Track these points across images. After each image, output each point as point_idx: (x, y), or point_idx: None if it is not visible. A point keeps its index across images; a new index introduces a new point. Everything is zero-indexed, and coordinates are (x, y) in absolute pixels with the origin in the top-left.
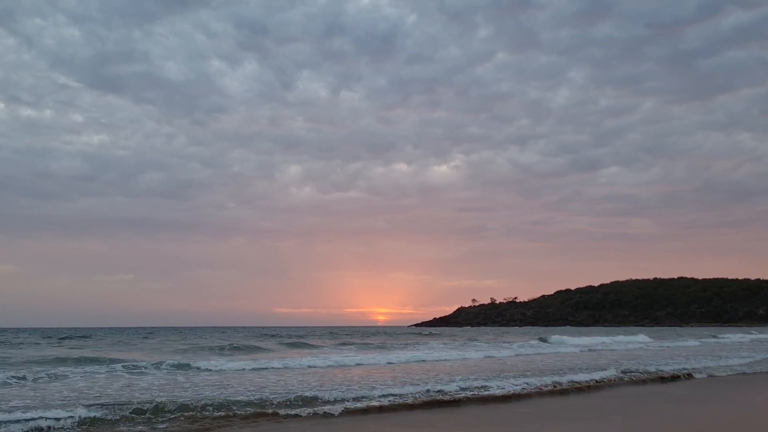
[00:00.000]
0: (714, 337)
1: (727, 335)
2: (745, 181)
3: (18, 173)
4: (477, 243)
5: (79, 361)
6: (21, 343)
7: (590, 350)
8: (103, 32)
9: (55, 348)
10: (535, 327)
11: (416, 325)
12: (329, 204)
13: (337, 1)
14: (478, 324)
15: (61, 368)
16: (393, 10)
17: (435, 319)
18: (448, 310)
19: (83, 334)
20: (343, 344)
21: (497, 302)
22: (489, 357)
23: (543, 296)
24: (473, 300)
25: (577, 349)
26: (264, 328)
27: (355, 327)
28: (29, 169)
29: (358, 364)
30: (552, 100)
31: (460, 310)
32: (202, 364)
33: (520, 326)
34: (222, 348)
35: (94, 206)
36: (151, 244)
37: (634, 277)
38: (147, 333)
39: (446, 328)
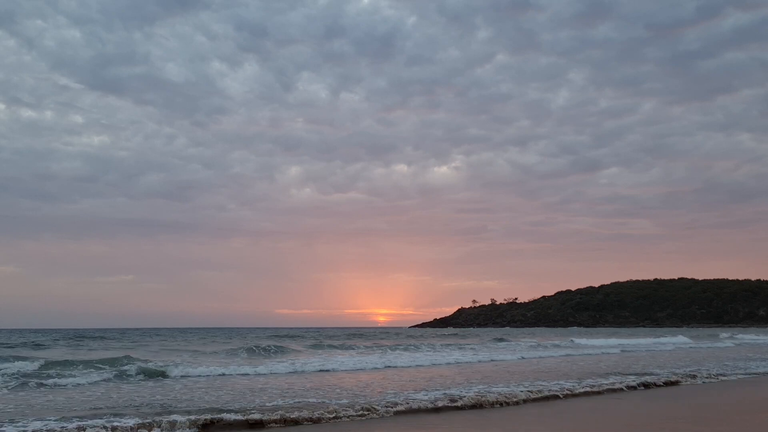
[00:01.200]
0: (733, 337)
1: (741, 335)
2: (745, 181)
3: (19, 174)
4: (477, 244)
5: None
6: (50, 344)
7: (624, 351)
8: (104, 34)
9: (114, 351)
10: (539, 328)
11: (417, 326)
12: (329, 205)
13: (337, 2)
14: (479, 325)
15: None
16: (393, 11)
17: (435, 320)
18: (449, 311)
19: (103, 335)
20: (411, 346)
21: (497, 303)
22: (556, 357)
23: (543, 297)
24: (474, 301)
25: (617, 350)
26: (272, 329)
27: (359, 328)
28: (30, 171)
29: (458, 362)
30: (552, 101)
31: (461, 311)
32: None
33: (521, 327)
34: (276, 348)
35: (94, 207)
36: (151, 245)
37: (634, 278)
38: (154, 334)
39: (447, 329)
